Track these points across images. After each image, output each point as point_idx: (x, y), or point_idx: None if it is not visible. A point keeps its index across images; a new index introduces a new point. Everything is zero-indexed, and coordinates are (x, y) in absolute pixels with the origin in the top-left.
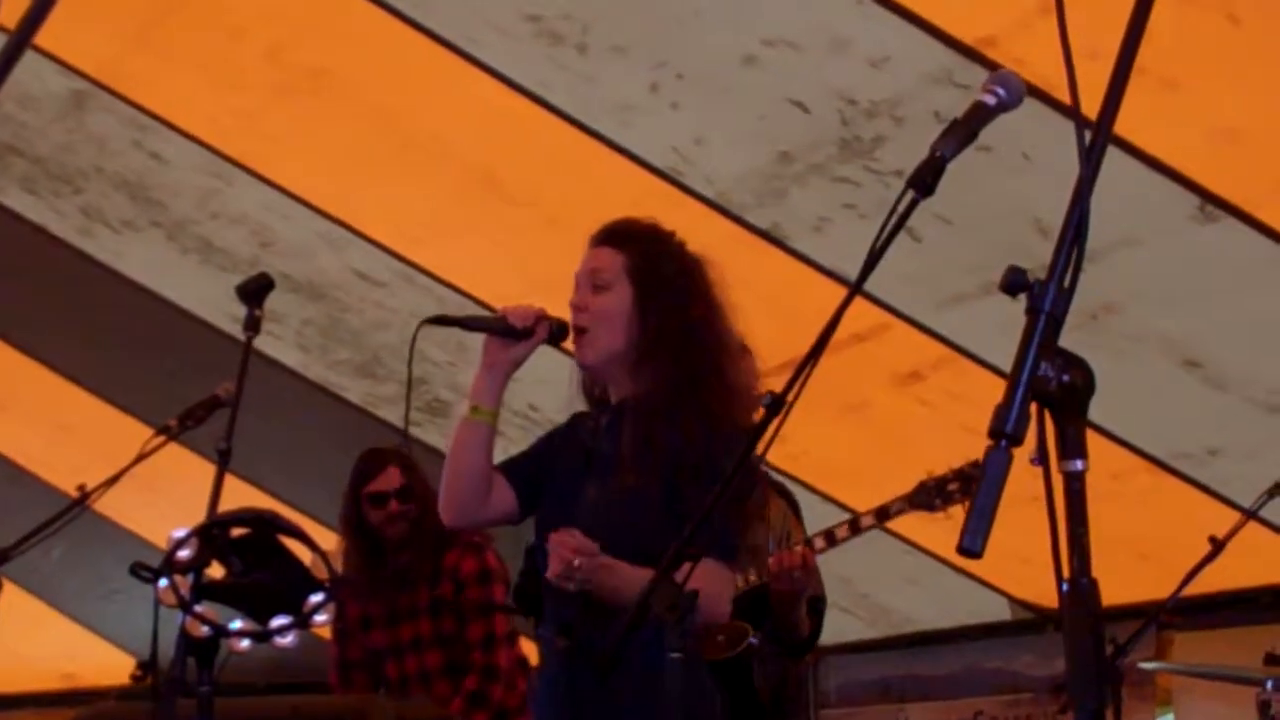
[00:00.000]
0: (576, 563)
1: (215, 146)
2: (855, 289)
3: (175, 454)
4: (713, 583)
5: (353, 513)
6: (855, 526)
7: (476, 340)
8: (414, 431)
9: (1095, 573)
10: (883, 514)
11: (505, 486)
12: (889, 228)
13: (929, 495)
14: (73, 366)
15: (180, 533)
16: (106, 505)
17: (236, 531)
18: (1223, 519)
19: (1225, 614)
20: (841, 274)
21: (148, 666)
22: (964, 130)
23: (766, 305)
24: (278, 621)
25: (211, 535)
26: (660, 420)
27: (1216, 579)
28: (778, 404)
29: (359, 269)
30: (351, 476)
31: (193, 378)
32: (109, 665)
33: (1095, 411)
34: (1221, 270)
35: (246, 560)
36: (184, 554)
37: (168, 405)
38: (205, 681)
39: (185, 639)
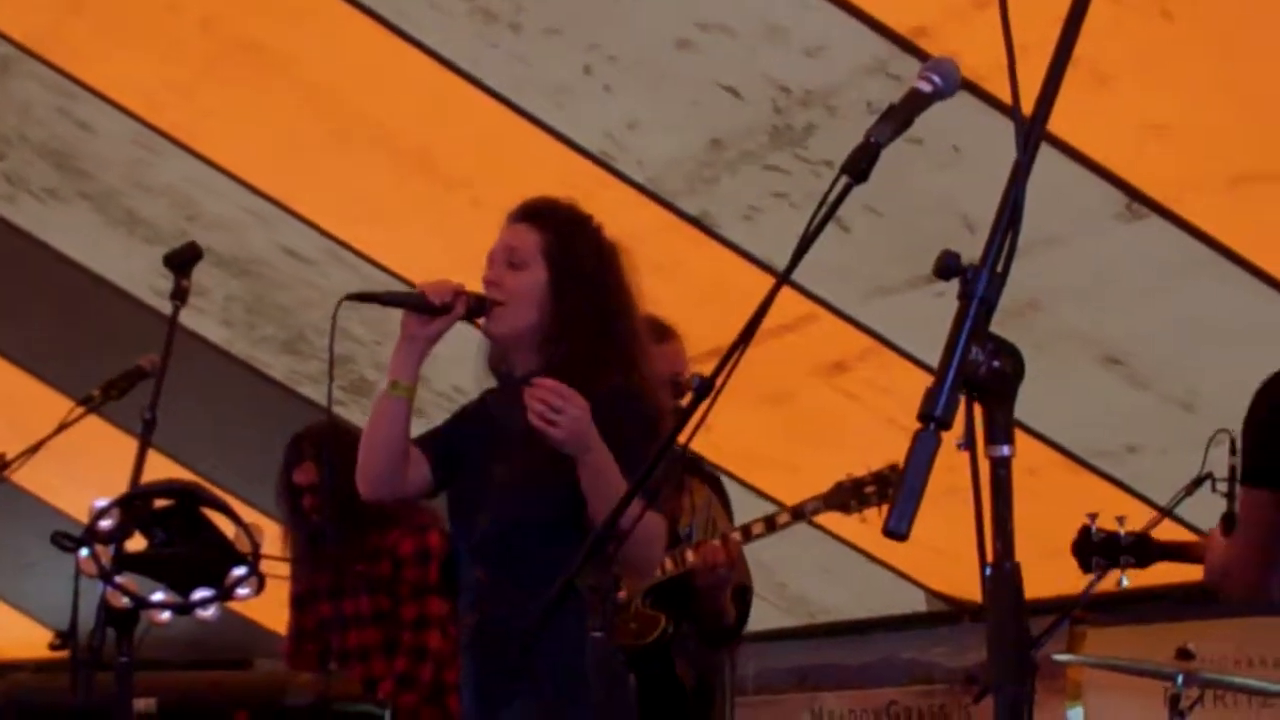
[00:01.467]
0: (557, 404)
1: (145, 118)
2: (784, 276)
3: (97, 427)
4: (648, 526)
5: (284, 494)
6: (771, 524)
7: (400, 319)
8: (338, 410)
9: None
10: (798, 513)
11: (421, 460)
12: (821, 214)
13: (845, 496)
14: None
15: (102, 502)
16: (26, 477)
17: (159, 503)
18: (1138, 515)
19: (1138, 610)
20: (770, 263)
21: (66, 637)
22: (899, 117)
23: (696, 292)
24: (199, 594)
25: (134, 506)
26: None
27: (1130, 575)
28: (706, 387)
29: (287, 246)
30: (283, 458)
31: (115, 350)
32: (26, 639)
33: (1015, 406)
34: (1145, 268)
35: (169, 532)
36: (106, 524)
37: (89, 378)
38: (124, 653)
39: (105, 610)
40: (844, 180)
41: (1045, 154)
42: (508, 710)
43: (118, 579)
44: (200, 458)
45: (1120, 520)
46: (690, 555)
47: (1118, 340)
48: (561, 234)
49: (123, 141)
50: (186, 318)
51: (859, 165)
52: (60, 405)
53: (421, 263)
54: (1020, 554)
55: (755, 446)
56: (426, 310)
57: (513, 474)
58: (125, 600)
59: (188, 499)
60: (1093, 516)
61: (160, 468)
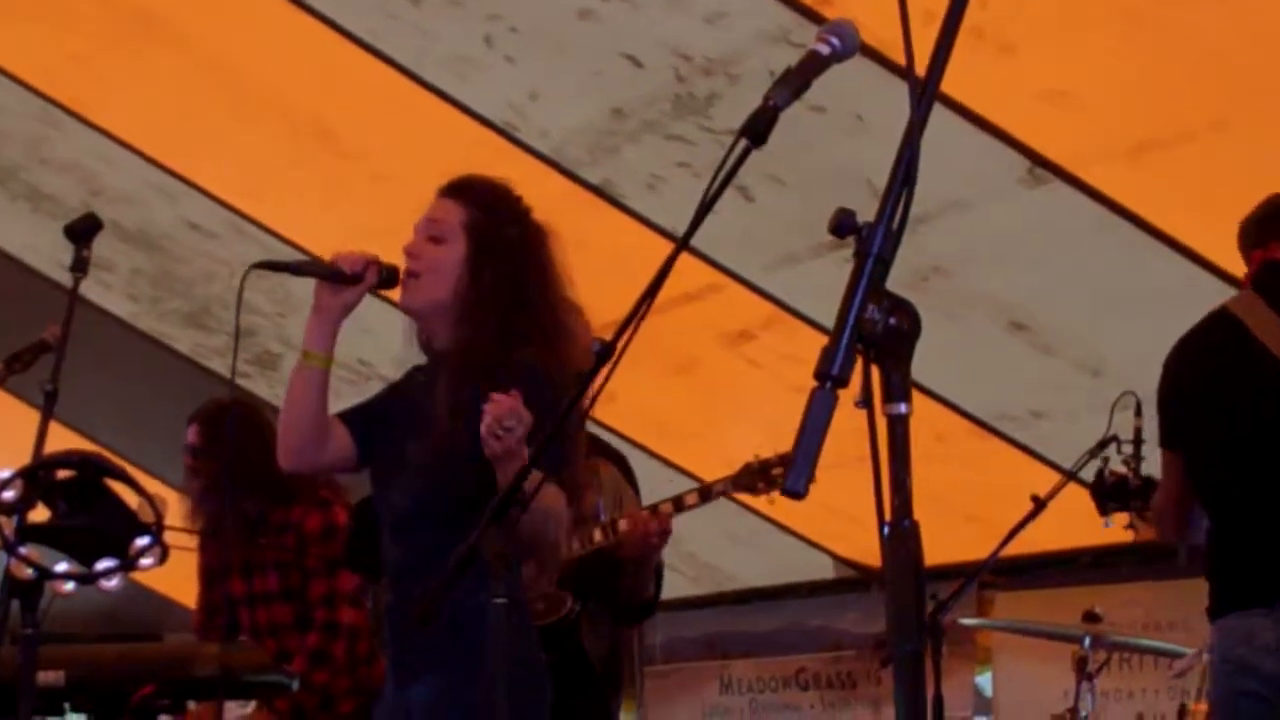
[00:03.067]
0: (509, 424)
1: (45, 92)
2: (684, 241)
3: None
4: (545, 497)
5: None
6: (679, 504)
7: (305, 291)
8: (242, 383)
9: (924, 531)
10: (705, 494)
11: (345, 434)
12: (720, 178)
13: (753, 478)
14: None
15: (4, 474)
16: None
17: (62, 474)
18: (1045, 480)
19: (1045, 574)
20: (675, 233)
21: None
22: (798, 80)
23: (599, 263)
24: (103, 564)
25: (37, 477)
26: (475, 376)
27: (1037, 539)
28: (607, 351)
29: (190, 219)
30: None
31: (19, 325)
32: None
33: (921, 373)
34: (1049, 233)
35: (72, 503)
36: (8, 495)
37: None
38: (29, 624)
39: (9, 581)
40: (743, 144)
41: (949, 121)
42: (416, 685)
43: (21, 550)
44: (105, 431)
45: (1131, 462)
46: (624, 524)
47: (1023, 305)
48: (485, 210)
49: (23, 116)
50: (92, 292)
51: (757, 128)
52: None
53: (322, 235)
54: (929, 519)
55: (663, 417)
56: (337, 279)
57: (424, 453)
58: (29, 571)
59: (90, 469)
60: (1105, 460)
61: (65, 440)
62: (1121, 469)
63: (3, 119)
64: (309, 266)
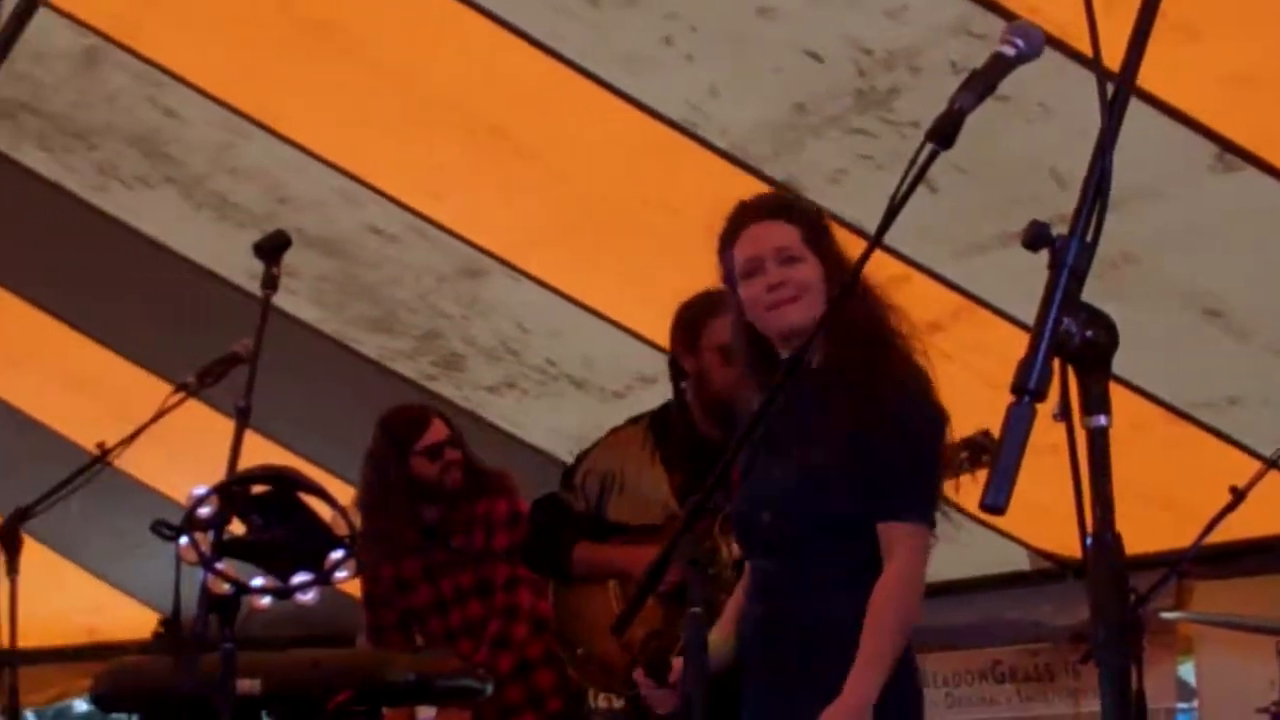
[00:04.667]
0: None
1: (229, 102)
2: (875, 241)
3: (194, 410)
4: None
5: (400, 470)
6: None
7: (490, 293)
8: (429, 385)
9: (1122, 522)
10: None
11: None
12: (908, 180)
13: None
14: (87, 321)
15: (200, 490)
16: (126, 462)
17: (257, 488)
18: (1243, 468)
19: (1245, 563)
20: (859, 226)
21: (171, 623)
22: (982, 82)
23: None
24: (298, 578)
25: (232, 492)
26: (847, 390)
27: (1237, 528)
28: (795, 362)
29: (372, 224)
30: (391, 435)
31: (209, 334)
32: (132, 620)
33: (1115, 362)
34: (1240, 219)
35: (267, 517)
36: (204, 511)
37: (184, 361)
38: (227, 637)
39: (207, 596)
40: (929, 147)
41: (1134, 107)
42: (795, 696)
43: (218, 565)
44: (296, 438)
45: None
46: None
47: (1215, 291)
48: (811, 225)
49: (208, 126)
50: (279, 299)
51: (944, 132)
52: (156, 389)
53: (501, 236)
54: (1125, 509)
55: None
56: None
57: (790, 472)
58: (226, 586)
59: (284, 484)
60: None
61: (257, 448)
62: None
63: (188, 130)
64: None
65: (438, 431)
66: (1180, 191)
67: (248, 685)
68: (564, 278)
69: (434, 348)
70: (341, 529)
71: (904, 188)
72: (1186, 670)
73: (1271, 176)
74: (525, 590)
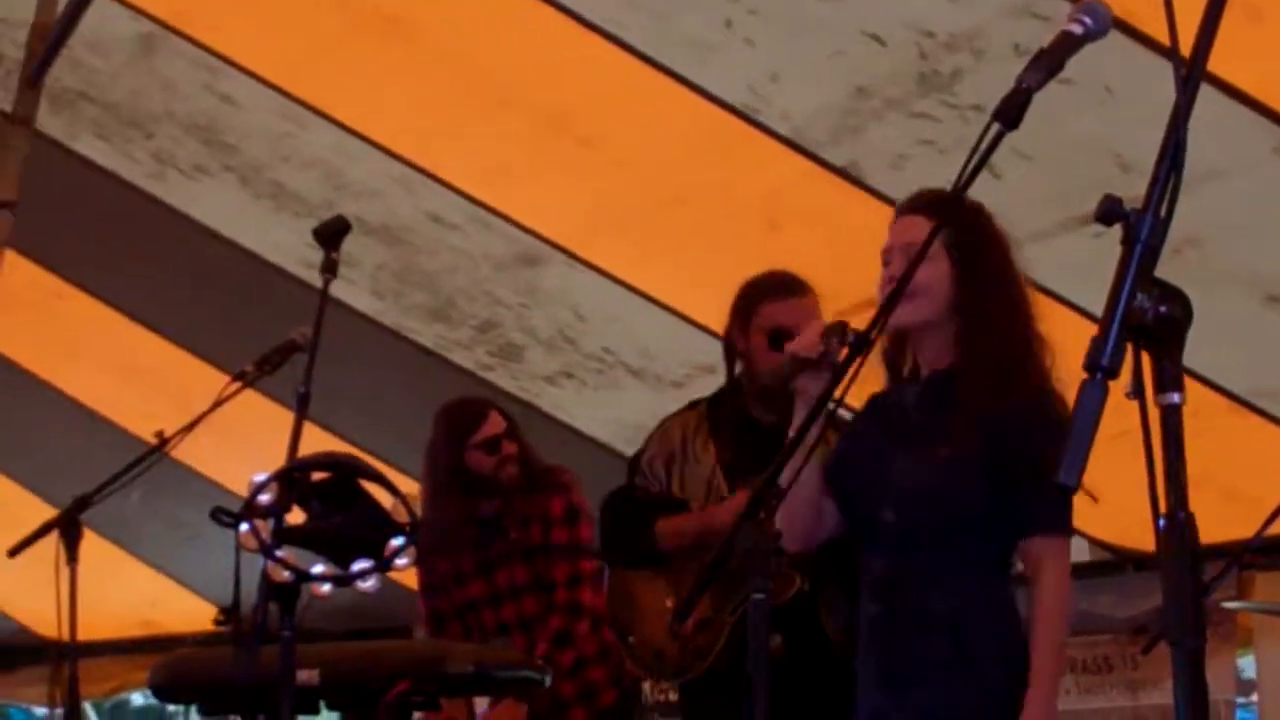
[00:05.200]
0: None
1: (286, 89)
2: (939, 227)
3: (251, 400)
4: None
5: (457, 463)
6: None
7: (548, 281)
8: (485, 375)
9: None
10: None
11: (830, 502)
12: (974, 162)
13: None
14: (145, 311)
15: (261, 477)
16: (183, 451)
17: (317, 475)
18: None
19: None
20: None
21: (230, 612)
22: (1050, 60)
23: (843, 243)
24: (359, 565)
25: (292, 479)
26: (982, 391)
27: None
28: (861, 342)
29: (431, 212)
30: (449, 429)
31: (265, 322)
32: (189, 611)
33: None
34: None
35: (327, 504)
36: (265, 498)
37: (240, 350)
38: (287, 626)
39: (267, 584)
40: (996, 127)
41: (1201, 90)
42: (915, 692)
43: (278, 553)
44: (354, 427)
45: None
46: None
47: (1277, 277)
48: (958, 223)
49: (265, 113)
50: (336, 288)
51: (1011, 112)
52: (211, 378)
53: (562, 224)
54: (1193, 498)
55: None
56: (808, 367)
57: (920, 470)
58: (286, 574)
59: (345, 471)
60: None
61: (313, 437)
62: None
63: (246, 117)
64: (780, 375)
65: (495, 425)
66: (1244, 175)
67: (305, 675)
68: (623, 266)
69: (491, 337)
70: (402, 516)
71: (969, 170)
72: (1246, 663)
73: None
74: (587, 588)
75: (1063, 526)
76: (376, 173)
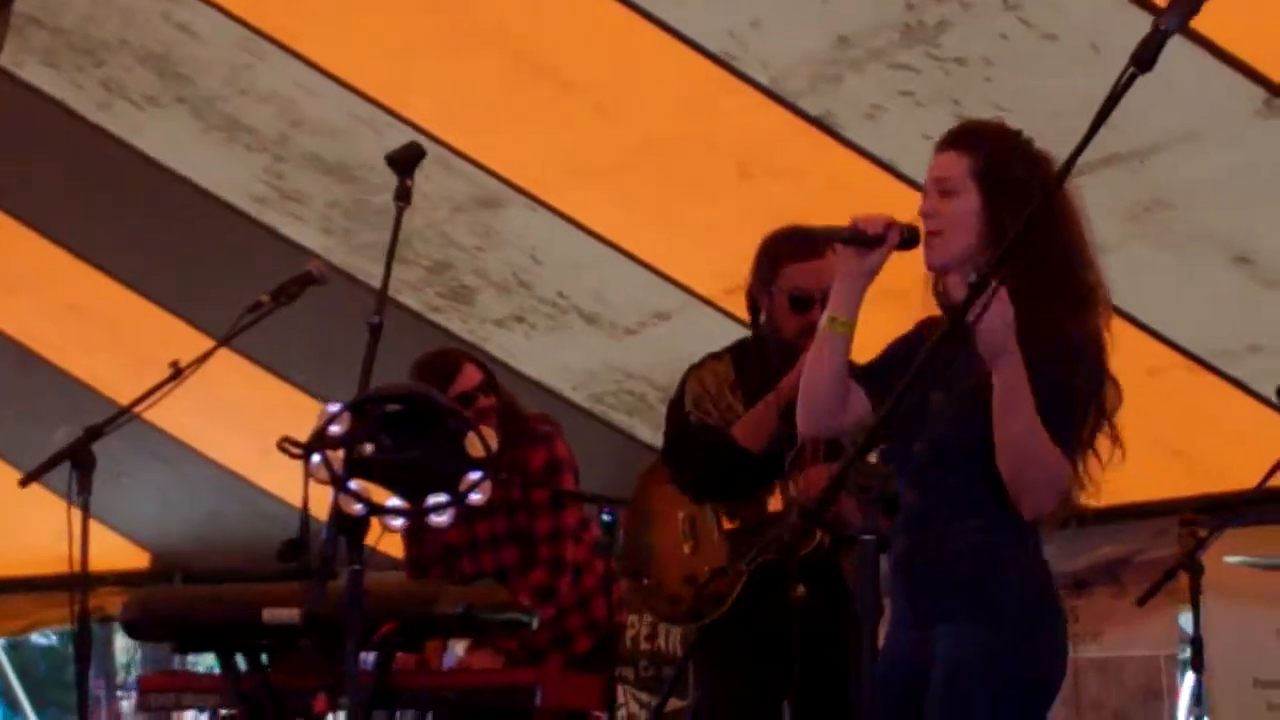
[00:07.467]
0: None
1: (247, 20)
2: (1056, 184)
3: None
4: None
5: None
6: None
7: (507, 226)
8: (436, 318)
9: (1129, 467)
10: None
11: (860, 394)
12: (1105, 107)
13: None
14: (85, 246)
15: (335, 407)
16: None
17: (390, 408)
18: (1255, 416)
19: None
20: (891, 164)
21: (295, 545)
22: (1186, 5)
23: (816, 194)
24: (433, 499)
25: (365, 410)
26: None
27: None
28: (983, 283)
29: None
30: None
31: (211, 259)
32: (110, 550)
33: (1137, 305)
34: None
35: (398, 438)
36: (335, 429)
37: (184, 288)
38: (355, 560)
39: (338, 517)
40: (1131, 71)
41: (1182, 48)
42: (940, 625)
43: (350, 485)
44: (298, 369)
45: None
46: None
47: (1249, 239)
48: (990, 154)
49: (225, 45)
50: (284, 225)
51: (1146, 55)
52: (154, 315)
53: (533, 170)
54: (1138, 455)
55: None
56: (862, 243)
57: (950, 401)
58: (358, 507)
59: (419, 404)
60: None
61: (251, 376)
62: None
63: (202, 48)
64: (833, 232)
65: (468, 379)
66: (1223, 137)
67: (286, 614)
68: (589, 212)
69: (444, 279)
70: (477, 450)
71: (1100, 114)
72: (1185, 620)
73: None
74: (569, 542)
75: (1066, 446)
76: (339, 110)
